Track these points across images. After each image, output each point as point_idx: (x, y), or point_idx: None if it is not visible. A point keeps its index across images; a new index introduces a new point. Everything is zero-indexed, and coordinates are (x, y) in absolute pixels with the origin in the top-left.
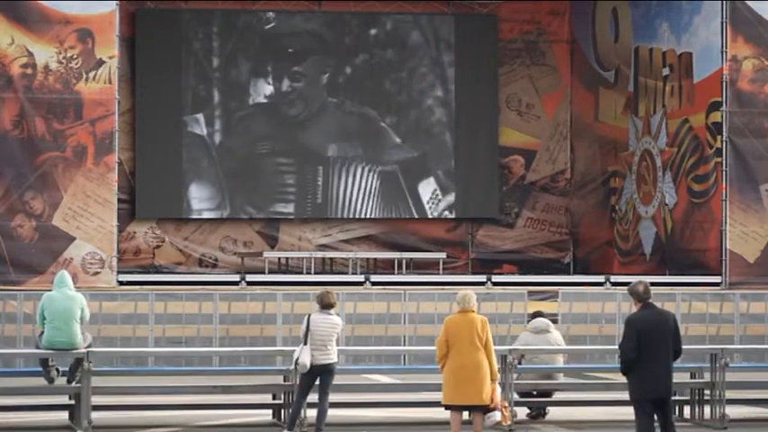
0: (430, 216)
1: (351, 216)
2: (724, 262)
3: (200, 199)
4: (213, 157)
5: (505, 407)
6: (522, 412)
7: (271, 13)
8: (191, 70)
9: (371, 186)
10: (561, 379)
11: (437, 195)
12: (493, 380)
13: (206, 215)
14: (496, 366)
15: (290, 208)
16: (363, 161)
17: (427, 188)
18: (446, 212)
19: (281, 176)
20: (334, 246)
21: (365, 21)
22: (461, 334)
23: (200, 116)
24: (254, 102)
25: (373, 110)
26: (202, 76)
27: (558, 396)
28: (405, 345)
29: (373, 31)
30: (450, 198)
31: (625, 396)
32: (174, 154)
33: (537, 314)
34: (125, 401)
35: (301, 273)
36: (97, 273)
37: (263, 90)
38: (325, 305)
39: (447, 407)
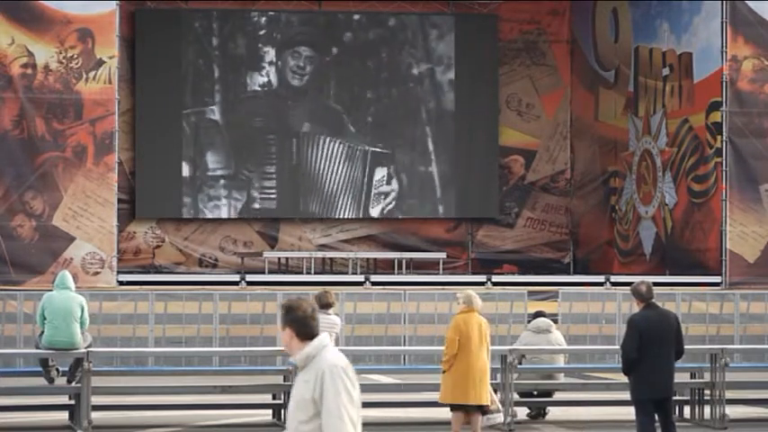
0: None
1: (352, 216)
2: (724, 262)
3: (213, 161)
4: (222, 134)
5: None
6: (523, 412)
7: (270, 13)
8: (190, 69)
9: (371, 184)
10: (562, 379)
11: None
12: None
13: (219, 172)
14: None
15: (274, 201)
16: (359, 156)
17: (426, 187)
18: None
19: (269, 158)
20: (334, 246)
21: (365, 19)
22: (472, 333)
23: (214, 108)
24: (253, 94)
25: (371, 107)
26: (202, 75)
27: (558, 396)
28: (405, 345)
29: (373, 30)
30: (449, 194)
31: (625, 396)
32: (175, 153)
33: (538, 314)
34: (125, 401)
35: (301, 273)
36: (97, 273)
37: (258, 82)
38: (324, 305)
39: (452, 407)
